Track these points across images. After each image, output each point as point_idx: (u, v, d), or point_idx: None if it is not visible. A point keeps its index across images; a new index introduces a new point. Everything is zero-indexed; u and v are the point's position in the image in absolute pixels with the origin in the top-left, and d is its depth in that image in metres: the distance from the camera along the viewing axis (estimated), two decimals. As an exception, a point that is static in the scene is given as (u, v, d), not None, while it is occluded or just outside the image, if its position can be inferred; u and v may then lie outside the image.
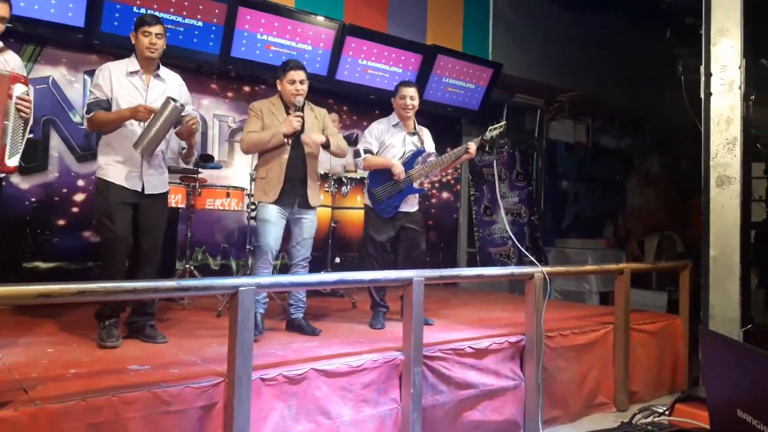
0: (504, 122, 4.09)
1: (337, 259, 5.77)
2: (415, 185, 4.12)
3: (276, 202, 3.59)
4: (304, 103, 3.67)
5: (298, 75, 3.65)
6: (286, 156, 3.63)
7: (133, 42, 3.32)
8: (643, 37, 7.56)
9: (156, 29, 3.29)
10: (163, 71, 3.43)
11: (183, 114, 3.21)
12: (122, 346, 3.11)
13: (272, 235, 3.56)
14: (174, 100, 3.10)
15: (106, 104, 3.24)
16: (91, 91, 3.30)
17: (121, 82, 3.28)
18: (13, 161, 2.83)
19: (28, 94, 2.83)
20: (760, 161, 4.16)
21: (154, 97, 3.31)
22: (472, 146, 4.05)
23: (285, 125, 3.55)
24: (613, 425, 2.07)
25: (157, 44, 3.30)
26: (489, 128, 4.06)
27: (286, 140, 3.57)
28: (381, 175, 4.08)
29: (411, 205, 4.16)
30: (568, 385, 3.83)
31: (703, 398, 1.66)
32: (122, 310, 3.30)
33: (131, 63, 3.34)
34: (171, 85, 3.43)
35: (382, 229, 4.06)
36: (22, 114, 2.80)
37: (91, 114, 3.24)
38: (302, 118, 3.56)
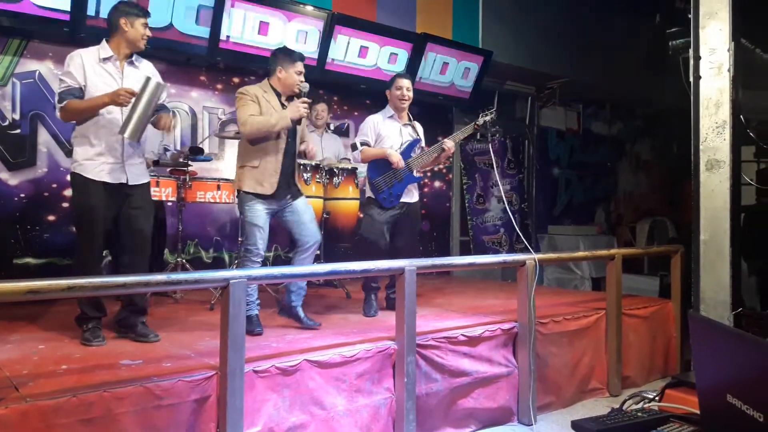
0: (494, 108, 4.23)
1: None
2: (414, 174, 4.14)
3: (270, 196, 3.49)
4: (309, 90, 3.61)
5: (302, 67, 3.61)
6: (283, 146, 3.54)
7: (125, 28, 3.16)
8: (633, 22, 7.57)
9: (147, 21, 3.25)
10: (137, 58, 3.31)
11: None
12: (114, 341, 3.10)
13: (261, 238, 3.49)
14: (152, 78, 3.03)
15: (78, 92, 3.08)
16: (61, 79, 3.12)
17: (95, 70, 3.14)
18: None
19: None
20: (749, 144, 4.16)
21: (130, 84, 3.15)
22: (448, 143, 4.08)
23: (292, 111, 3.46)
24: (605, 411, 2.08)
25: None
26: (480, 114, 4.19)
27: (291, 125, 3.51)
28: (380, 165, 4.08)
29: (411, 195, 4.18)
30: (561, 371, 3.85)
31: (693, 383, 1.67)
32: (103, 313, 3.17)
33: (102, 49, 3.18)
34: (144, 72, 3.30)
35: (382, 219, 4.07)
36: None
37: (64, 103, 3.06)
38: (308, 104, 3.52)
